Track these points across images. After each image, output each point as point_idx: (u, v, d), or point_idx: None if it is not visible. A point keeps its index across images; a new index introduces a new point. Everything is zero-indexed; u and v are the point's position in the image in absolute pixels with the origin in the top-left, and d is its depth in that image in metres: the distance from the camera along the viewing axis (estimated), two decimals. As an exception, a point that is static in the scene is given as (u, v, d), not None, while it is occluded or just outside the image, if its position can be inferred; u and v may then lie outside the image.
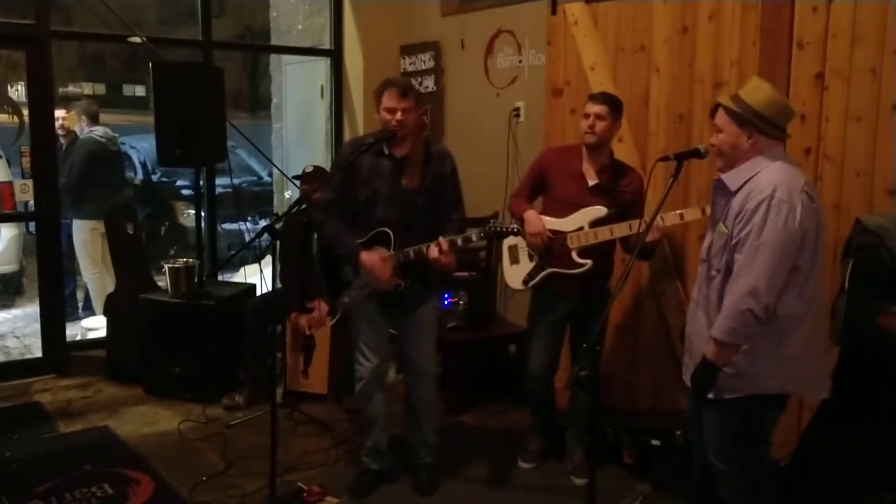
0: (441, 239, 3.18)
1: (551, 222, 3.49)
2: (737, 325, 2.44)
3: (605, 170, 3.50)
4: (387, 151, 3.34)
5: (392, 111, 3.24)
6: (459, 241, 3.17)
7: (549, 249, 3.47)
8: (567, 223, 3.46)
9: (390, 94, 3.25)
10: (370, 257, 3.29)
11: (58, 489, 3.50)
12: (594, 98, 3.47)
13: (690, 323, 2.77)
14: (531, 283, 3.56)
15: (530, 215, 3.51)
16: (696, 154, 2.73)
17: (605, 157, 3.51)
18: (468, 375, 4.63)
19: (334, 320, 4.23)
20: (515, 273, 3.62)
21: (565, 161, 3.56)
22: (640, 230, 2.71)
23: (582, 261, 3.42)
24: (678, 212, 3.33)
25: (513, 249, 3.66)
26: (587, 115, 3.43)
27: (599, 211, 3.42)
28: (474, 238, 3.14)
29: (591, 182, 3.49)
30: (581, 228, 3.43)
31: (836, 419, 2.97)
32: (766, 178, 2.46)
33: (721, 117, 2.57)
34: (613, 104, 3.44)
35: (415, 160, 3.33)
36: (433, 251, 3.18)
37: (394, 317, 3.50)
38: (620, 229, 3.35)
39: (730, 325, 2.45)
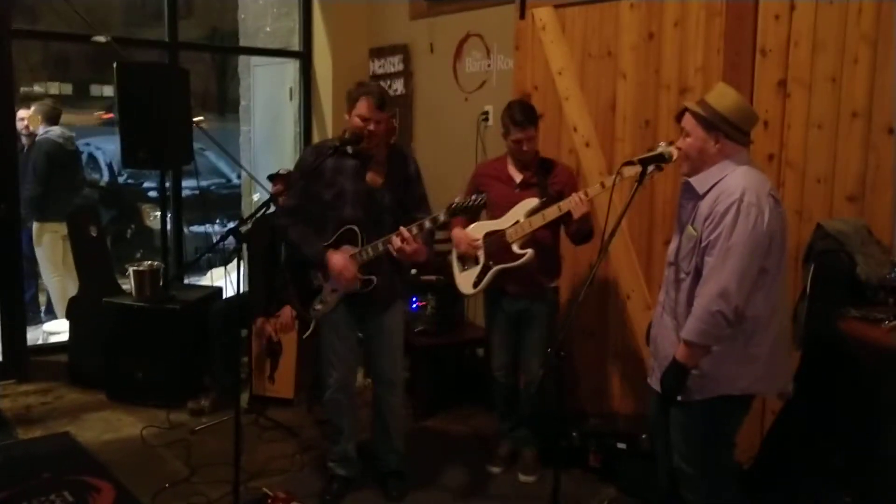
0: (402, 228, 3.18)
1: (489, 225, 3.61)
2: (707, 327, 2.47)
3: (529, 167, 3.62)
4: (350, 150, 3.33)
5: (366, 120, 3.24)
6: (415, 229, 3.17)
7: (491, 250, 3.56)
8: (504, 221, 3.56)
9: (368, 103, 3.23)
10: (337, 260, 3.27)
11: (16, 497, 3.42)
12: (519, 123, 3.52)
13: (656, 326, 2.79)
14: (481, 285, 3.61)
15: (455, 233, 3.69)
16: (661, 159, 2.76)
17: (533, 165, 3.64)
18: (436, 379, 4.62)
19: (309, 332, 4.20)
20: (466, 279, 3.69)
21: (494, 169, 3.73)
22: (604, 235, 2.73)
23: (522, 251, 3.49)
24: (599, 182, 3.41)
25: (461, 257, 3.71)
26: (518, 142, 3.54)
27: (532, 202, 3.51)
28: (442, 217, 3.16)
29: (518, 179, 3.62)
30: (517, 222, 3.51)
31: (798, 422, 3.02)
32: (734, 182, 2.49)
33: (688, 121, 2.60)
34: (532, 118, 3.55)
35: (378, 159, 3.34)
36: (396, 241, 3.17)
37: (362, 318, 3.48)
38: (551, 212, 3.43)
39: (700, 326, 2.47)
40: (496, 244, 3.55)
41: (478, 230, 3.63)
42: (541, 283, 3.63)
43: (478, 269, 3.62)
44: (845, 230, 3.01)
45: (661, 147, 2.77)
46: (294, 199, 3.42)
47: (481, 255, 3.58)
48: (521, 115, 3.53)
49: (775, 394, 2.79)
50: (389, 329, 3.47)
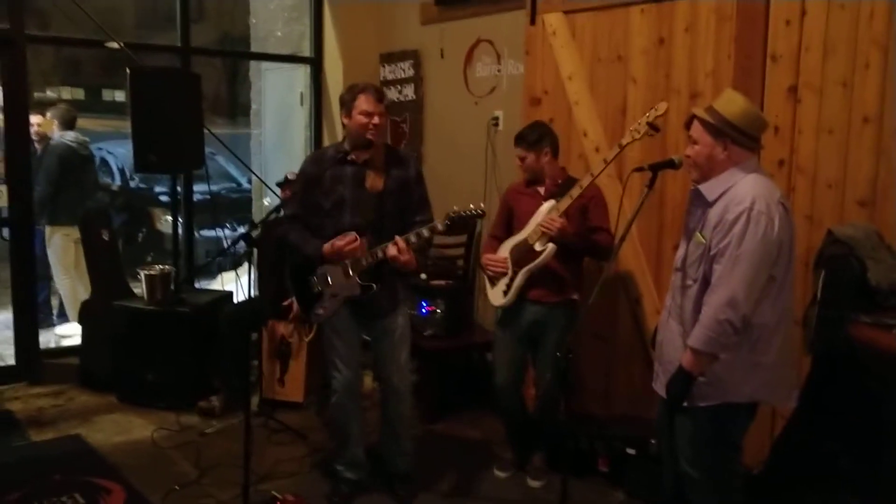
0: (397, 238, 3.20)
1: (515, 239, 3.62)
2: (714, 335, 2.46)
3: (555, 183, 3.61)
4: (349, 157, 3.34)
5: (370, 115, 3.26)
6: (413, 238, 3.19)
7: (518, 258, 3.56)
8: (526, 230, 3.57)
9: (367, 97, 3.27)
10: (331, 244, 3.28)
11: (27, 498, 3.45)
12: (515, 140, 3.61)
13: (662, 331, 2.78)
14: (510, 293, 3.59)
15: (485, 259, 3.69)
16: (671, 165, 2.76)
17: (558, 179, 3.63)
18: (445, 383, 4.63)
19: (311, 335, 4.20)
20: (496, 291, 3.68)
21: (525, 187, 3.72)
22: (614, 239, 2.73)
23: (543, 247, 3.48)
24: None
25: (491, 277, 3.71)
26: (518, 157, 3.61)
27: (549, 203, 3.50)
28: (440, 226, 3.16)
29: (542, 191, 3.63)
30: (538, 224, 3.50)
31: (807, 426, 3.00)
32: (743, 190, 2.48)
33: (696, 129, 2.60)
34: (527, 140, 3.56)
35: (376, 164, 3.34)
36: (391, 249, 3.19)
37: (366, 322, 3.49)
38: (564, 202, 3.42)
39: (708, 334, 2.47)
40: (521, 251, 3.56)
41: (505, 248, 3.65)
42: (562, 288, 3.59)
43: (506, 279, 3.61)
44: (856, 235, 3.00)
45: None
46: (292, 208, 3.50)
47: (510, 267, 3.59)
48: (520, 133, 3.60)
49: (780, 402, 2.78)
50: (393, 333, 3.46)
